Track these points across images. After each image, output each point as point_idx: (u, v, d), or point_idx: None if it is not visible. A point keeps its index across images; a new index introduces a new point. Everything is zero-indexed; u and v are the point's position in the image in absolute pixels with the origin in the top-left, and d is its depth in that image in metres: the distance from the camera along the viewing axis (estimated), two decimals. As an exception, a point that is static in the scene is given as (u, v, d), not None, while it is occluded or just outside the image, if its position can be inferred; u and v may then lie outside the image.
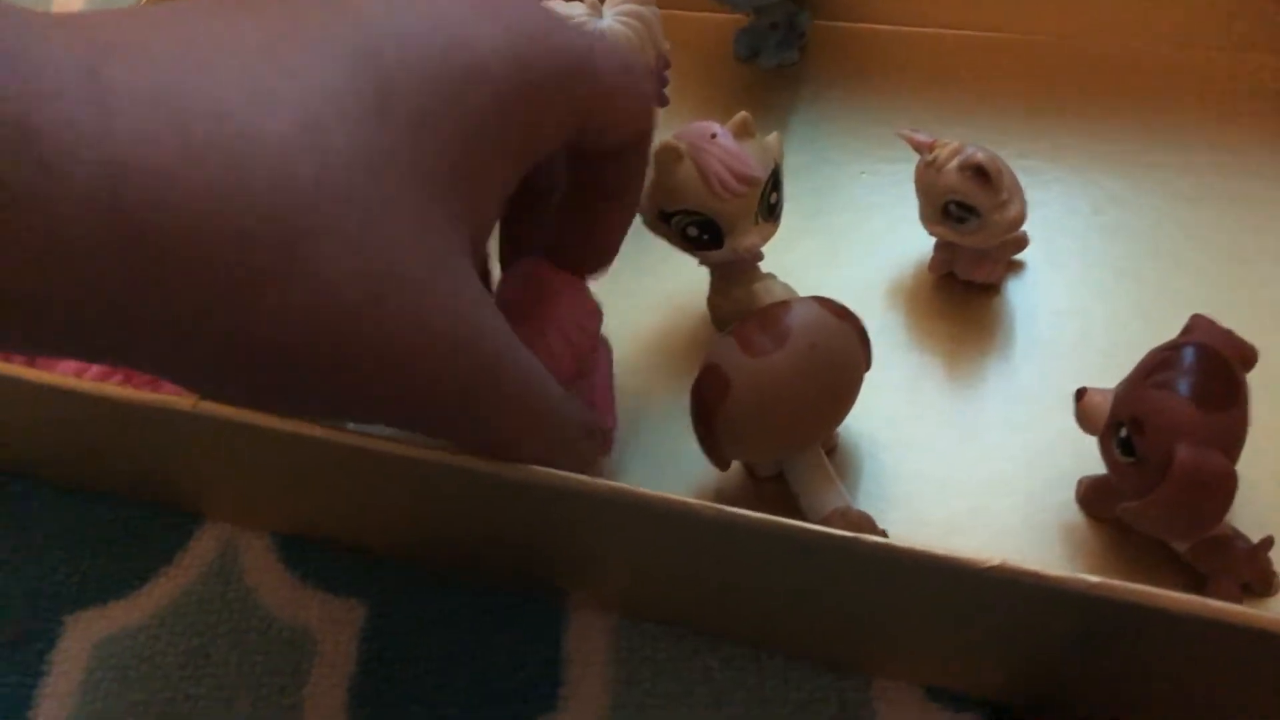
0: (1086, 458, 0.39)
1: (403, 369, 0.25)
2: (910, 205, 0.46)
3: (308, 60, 0.24)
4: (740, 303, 0.44)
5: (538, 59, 0.28)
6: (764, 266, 0.45)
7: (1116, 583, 0.28)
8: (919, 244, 0.48)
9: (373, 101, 0.24)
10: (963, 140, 0.43)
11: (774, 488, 0.41)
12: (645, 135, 0.34)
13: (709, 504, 0.31)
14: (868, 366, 0.38)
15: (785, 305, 0.37)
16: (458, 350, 0.26)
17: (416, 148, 0.25)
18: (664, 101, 0.50)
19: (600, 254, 0.37)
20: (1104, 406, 0.36)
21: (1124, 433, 0.34)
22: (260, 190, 0.22)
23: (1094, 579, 0.28)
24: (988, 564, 0.29)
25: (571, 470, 0.31)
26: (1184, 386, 0.34)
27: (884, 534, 0.36)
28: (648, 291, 0.48)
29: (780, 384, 0.35)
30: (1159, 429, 0.33)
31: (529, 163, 0.29)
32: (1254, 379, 0.35)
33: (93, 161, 0.20)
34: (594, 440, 0.34)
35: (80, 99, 0.20)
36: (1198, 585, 0.36)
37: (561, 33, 0.29)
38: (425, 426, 0.29)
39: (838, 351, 0.36)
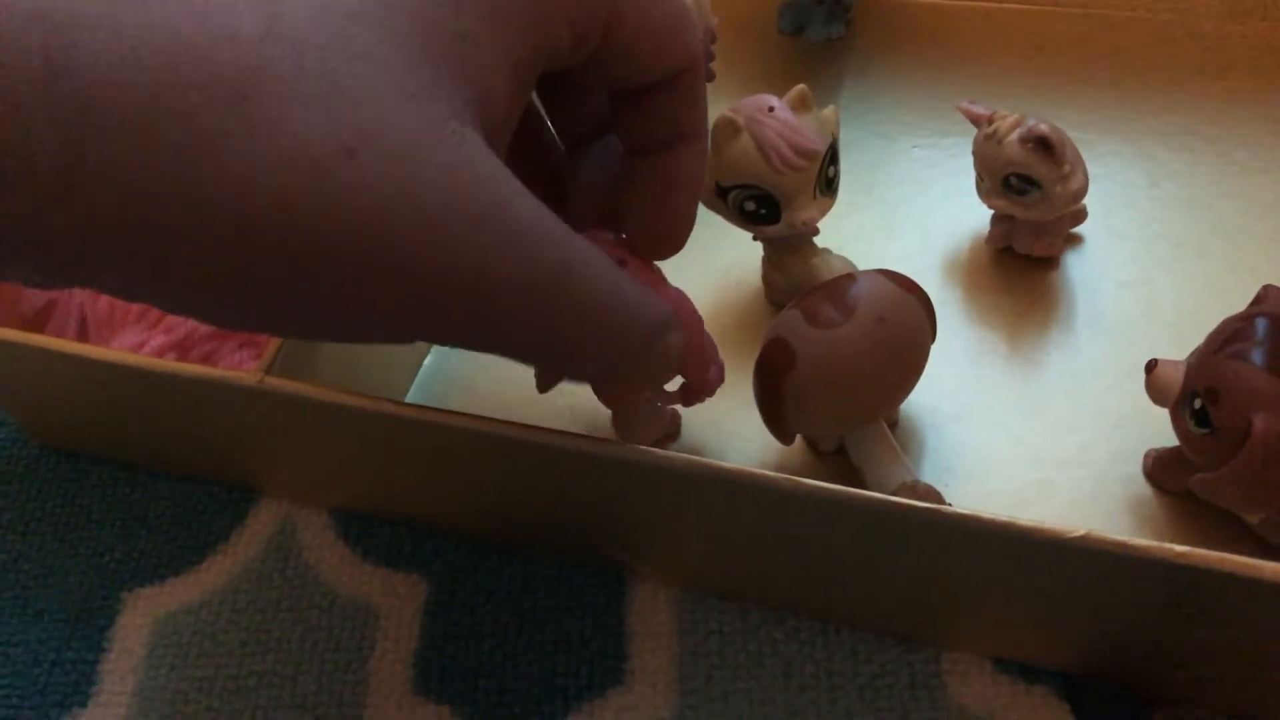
0: (1153, 430, 0.38)
1: (403, 245, 0.22)
2: (964, 179, 0.46)
3: None
4: (796, 277, 0.44)
5: None
6: (819, 241, 0.44)
7: (1203, 551, 0.28)
8: (974, 218, 0.47)
9: None
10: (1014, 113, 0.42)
11: (836, 463, 0.40)
12: (693, 63, 0.29)
13: (789, 476, 0.30)
14: (934, 339, 0.38)
15: (851, 277, 0.37)
16: (478, 222, 0.23)
17: (394, 5, 0.22)
18: (710, 76, 0.49)
19: (670, 226, 0.32)
20: (1175, 378, 0.35)
21: (1198, 404, 0.34)
22: (199, 45, 0.20)
23: (1180, 548, 0.28)
24: (1073, 534, 0.28)
25: (650, 380, 0.29)
26: (1258, 356, 0.33)
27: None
28: (701, 267, 0.47)
29: (848, 357, 0.35)
30: (1234, 399, 0.33)
31: (547, 49, 0.25)
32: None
33: (24, 14, 0.19)
34: (673, 334, 0.29)
35: None
36: (1270, 558, 0.36)
37: None
38: (449, 328, 0.25)
39: (905, 324, 0.36)
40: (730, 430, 0.42)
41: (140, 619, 0.41)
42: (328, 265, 0.22)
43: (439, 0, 0.23)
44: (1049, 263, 0.46)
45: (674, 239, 0.32)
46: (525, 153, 0.32)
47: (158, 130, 0.20)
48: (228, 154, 0.20)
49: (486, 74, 0.24)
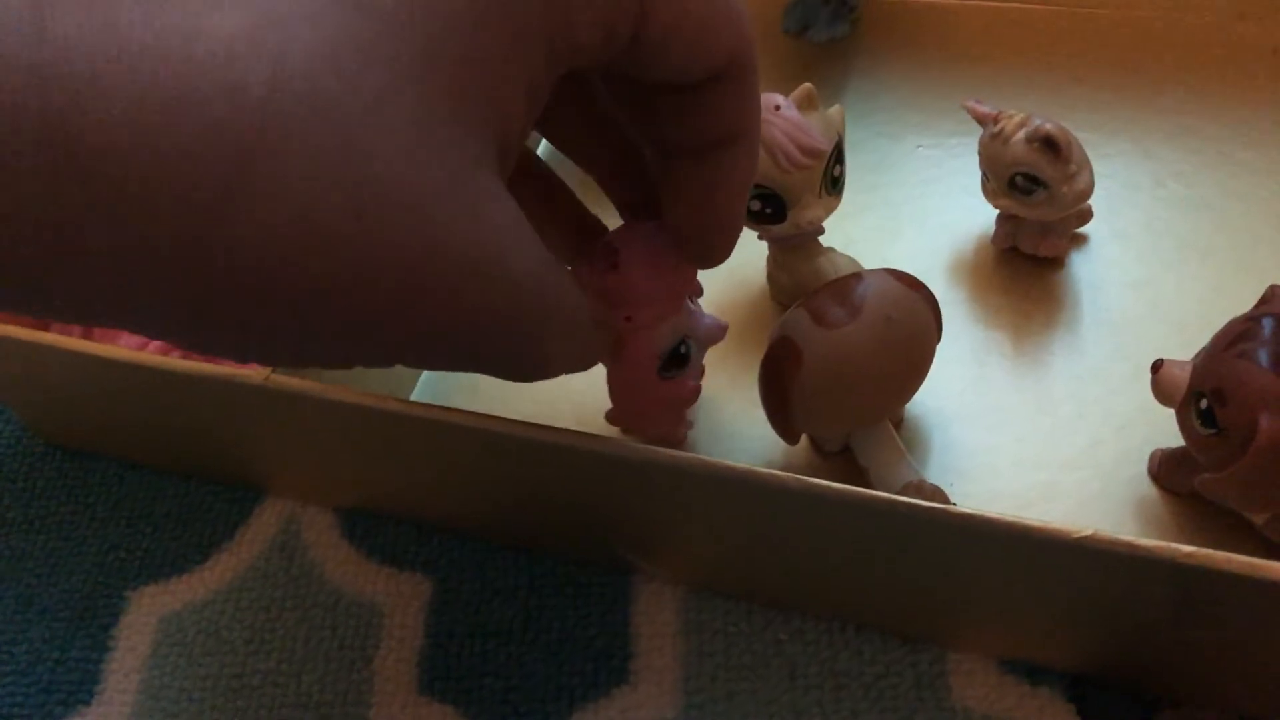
0: (1159, 431, 0.38)
1: (407, 297, 0.22)
2: (969, 179, 0.46)
3: None
4: (802, 277, 0.44)
5: None
6: (823, 241, 0.44)
7: (1210, 552, 0.28)
8: (980, 218, 0.47)
9: None
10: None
11: (841, 463, 0.40)
12: (739, 58, 0.27)
13: (795, 476, 0.30)
14: (939, 337, 0.38)
15: (857, 277, 0.37)
16: (478, 271, 0.23)
17: (409, 37, 0.21)
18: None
19: (721, 234, 0.31)
20: (1182, 378, 0.35)
21: (1204, 404, 0.34)
22: (203, 100, 0.19)
23: (1187, 548, 0.28)
24: (1079, 534, 0.28)
25: (573, 365, 0.29)
26: (1265, 357, 0.33)
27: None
28: (705, 266, 0.47)
29: (855, 356, 0.35)
30: (1241, 400, 0.33)
31: (570, 57, 0.25)
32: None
33: (23, 69, 0.18)
34: (605, 333, 0.32)
35: (13, 3, 0.18)
36: (1275, 558, 0.36)
37: None
38: (441, 360, 0.26)
39: (912, 323, 0.36)
40: (735, 430, 0.42)
41: (145, 617, 0.41)
42: (329, 318, 0.22)
43: (453, 25, 0.22)
44: (1054, 263, 0.46)
45: (725, 246, 0.32)
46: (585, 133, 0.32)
47: (158, 200, 0.19)
48: (232, 221, 0.20)
49: (505, 99, 0.23)
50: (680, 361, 0.37)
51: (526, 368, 0.27)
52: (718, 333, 0.38)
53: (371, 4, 0.21)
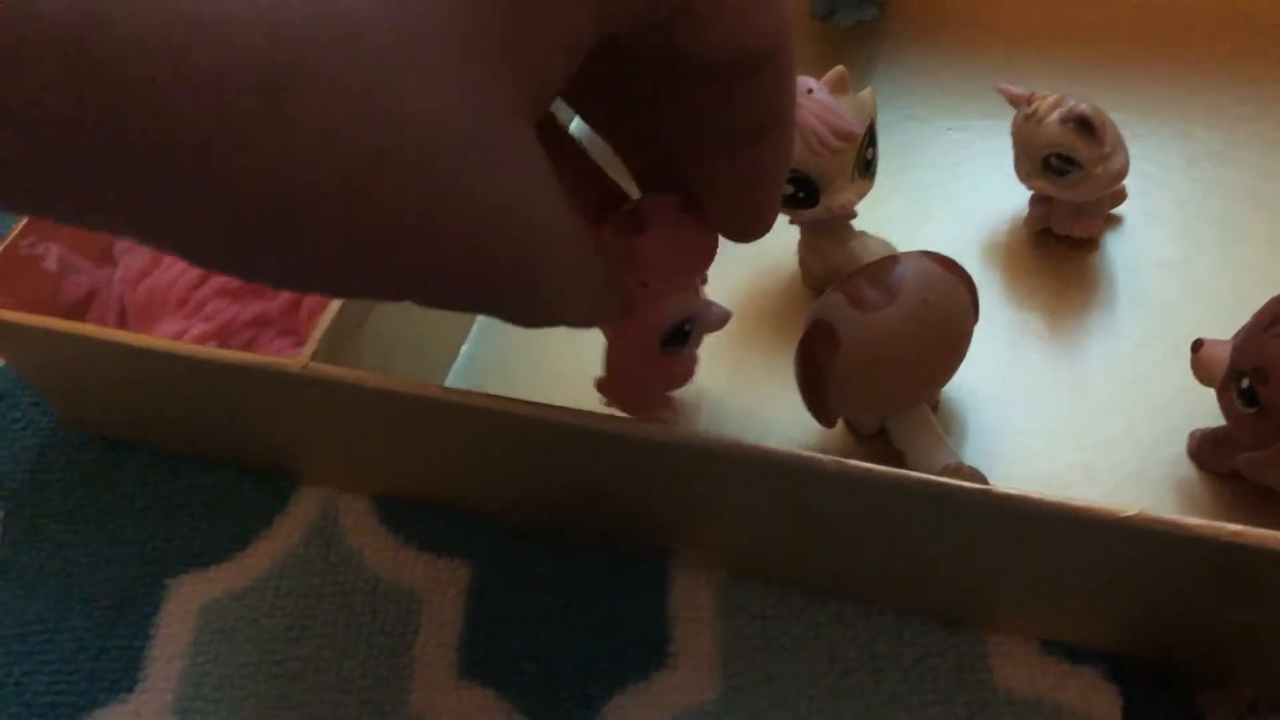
0: (1197, 410, 0.38)
1: (421, 236, 0.22)
2: (1001, 160, 0.46)
3: None
4: (834, 261, 0.44)
5: None
6: (855, 225, 0.44)
7: (1258, 530, 0.28)
8: (1012, 199, 0.47)
9: None
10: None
11: (877, 446, 0.40)
12: (777, 45, 0.27)
13: (834, 458, 0.31)
14: (976, 319, 0.38)
15: (894, 260, 0.36)
16: (494, 219, 0.23)
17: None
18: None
19: (753, 222, 0.31)
20: (1222, 357, 0.35)
21: (1246, 383, 0.34)
22: (238, 25, 0.19)
23: (1234, 527, 0.28)
24: (1125, 514, 0.28)
25: (581, 317, 0.29)
26: (1307, 336, 0.33)
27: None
28: (735, 252, 0.47)
29: (893, 339, 0.35)
30: (1284, 379, 0.33)
31: (617, 19, 0.24)
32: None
33: None
34: (618, 293, 0.31)
35: None
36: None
37: None
38: (452, 299, 0.25)
39: (950, 305, 0.36)
40: (770, 414, 0.42)
41: (185, 605, 0.42)
42: (342, 249, 0.22)
43: None
44: (1088, 244, 0.46)
45: (760, 230, 0.31)
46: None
47: (183, 122, 0.19)
48: (256, 148, 0.20)
49: (544, 51, 0.23)
50: (681, 339, 0.36)
51: (536, 315, 0.28)
52: (721, 321, 0.38)
53: None
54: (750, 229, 0.31)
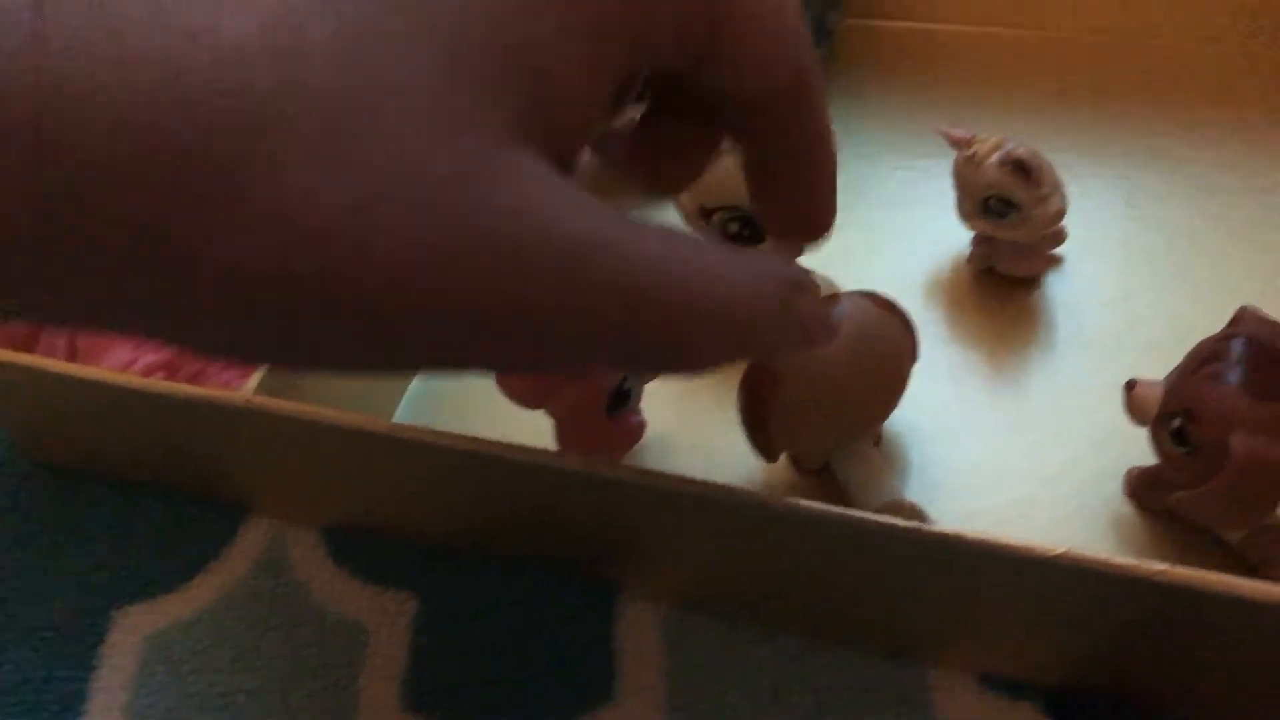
0: (1134, 449, 0.39)
1: (424, 291, 0.20)
2: (946, 200, 0.47)
3: None
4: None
5: None
6: (801, 262, 0.45)
7: (1182, 569, 0.28)
8: (956, 239, 0.48)
9: None
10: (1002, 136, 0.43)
11: (821, 481, 0.41)
12: (803, 77, 0.26)
13: (775, 495, 0.31)
14: (915, 359, 0.38)
15: (833, 299, 0.37)
16: (518, 250, 0.21)
17: (435, 31, 0.20)
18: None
19: (812, 227, 0.31)
20: (1154, 398, 0.36)
21: (1176, 423, 0.35)
22: (204, 101, 0.18)
23: (1159, 565, 0.29)
24: (1053, 553, 0.29)
25: (788, 342, 0.26)
26: (1235, 377, 0.34)
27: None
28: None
29: (831, 375, 0.36)
30: (1213, 420, 0.34)
31: (646, 46, 0.24)
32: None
33: (18, 75, 0.17)
34: (801, 293, 0.27)
35: (12, 4, 0.17)
36: (1248, 576, 0.36)
37: None
38: (503, 360, 0.24)
39: (886, 343, 0.37)
40: (717, 448, 0.43)
41: (131, 636, 0.42)
42: (335, 321, 0.20)
43: (510, 9, 0.21)
44: (1030, 283, 0.46)
45: (818, 236, 0.31)
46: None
47: (150, 200, 0.18)
48: (222, 224, 0.19)
49: (560, 82, 0.22)
50: (624, 399, 0.37)
51: (653, 352, 0.24)
52: None
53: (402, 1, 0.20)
54: (810, 235, 0.31)
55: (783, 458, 0.41)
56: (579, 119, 0.23)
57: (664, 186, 0.31)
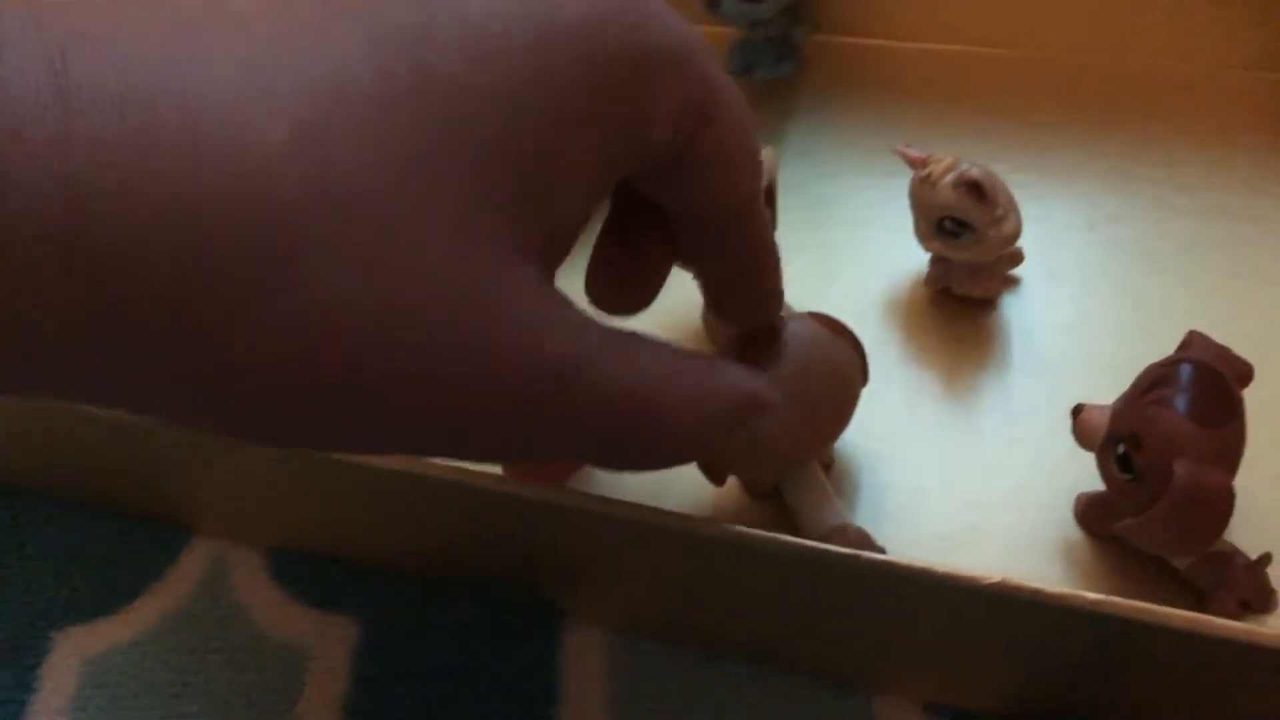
0: (1086, 474, 0.38)
1: (434, 399, 0.22)
2: (908, 219, 0.46)
3: (328, 44, 0.20)
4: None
5: (646, 30, 0.23)
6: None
7: (1117, 600, 0.28)
8: (915, 259, 0.47)
9: (406, 92, 0.20)
10: (958, 155, 0.43)
11: (771, 506, 0.40)
12: (753, 198, 0.29)
13: (712, 521, 0.31)
14: (865, 382, 0.38)
15: (780, 321, 0.37)
16: (514, 372, 0.22)
17: (461, 150, 0.21)
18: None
19: (764, 313, 0.34)
20: (1101, 423, 0.36)
21: (1121, 449, 0.34)
22: (233, 208, 0.19)
23: (1094, 596, 0.28)
24: (988, 581, 0.29)
25: (736, 454, 0.29)
26: (1181, 403, 0.34)
27: (882, 550, 0.36)
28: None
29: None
30: (1157, 445, 0.33)
31: (639, 156, 0.25)
32: (1252, 395, 0.35)
33: (47, 173, 0.18)
34: (760, 413, 0.29)
35: (41, 98, 0.18)
36: (1197, 602, 0.36)
37: (669, 12, 0.25)
38: (486, 454, 0.26)
39: (834, 366, 0.36)
40: (666, 473, 0.41)
41: (70, 659, 0.41)
42: (353, 417, 0.22)
43: (524, 125, 0.22)
44: (987, 304, 0.46)
45: (764, 321, 0.34)
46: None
47: (179, 304, 0.19)
48: (252, 326, 0.19)
49: (561, 196, 0.23)
50: None
51: (615, 453, 0.27)
52: None
53: (431, 110, 0.21)
54: (761, 321, 0.34)
55: (735, 481, 0.41)
56: (574, 228, 0.25)
57: (620, 309, 0.32)
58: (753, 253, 0.30)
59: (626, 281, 0.31)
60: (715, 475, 0.38)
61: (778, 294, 0.33)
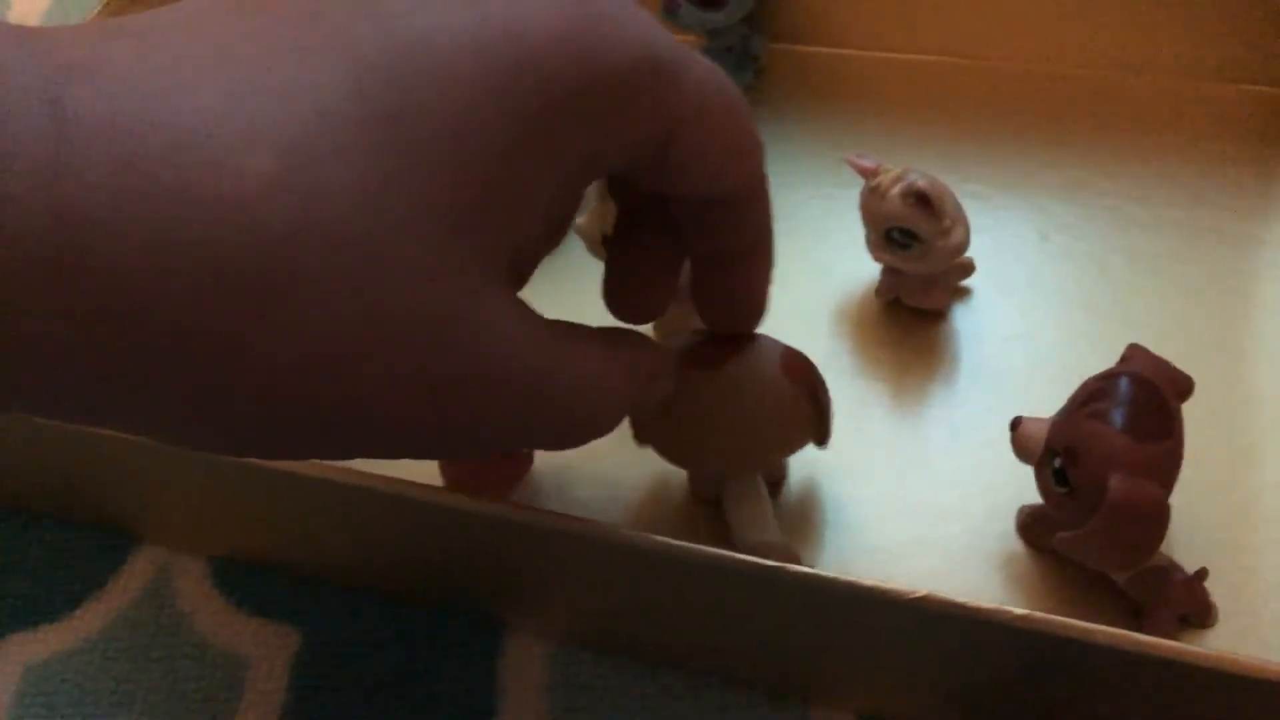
0: (1029, 486, 0.38)
1: (416, 416, 0.23)
2: (860, 230, 0.46)
3: (310, 76, 0.21)
4: (686, 325, 0.44)
5: (607, 49, 0.24)
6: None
7: (1043, 615, 0.28)
8: (867, 270, 0.47)
9: (383, 122, 0.21)
10: (913, 166, 0.43)
11: (716, 514, 0.40)
12: (752, 184, 0.30)
13: (647, 535, 0.30)
14: (822, 440, 0.37)
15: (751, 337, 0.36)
16: (489, 387, 0.24)
17: (437, 173, 0.22)
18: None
19: (744, 323, 0.35)
20: (1040, 435, 0.36)
21: (1058, 463, 0.34)
22: (222, 240, 0.19)
23: (1020, 611, 0.28)
24: (913, 595, 0.28)
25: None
26: (1118, 417, 0.34)
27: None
28: (590, 311, 0.47)
29: (691, 414, 0.35)
30: (1092, 459, 0.33)
31: (593, 174, 0.27)
32: (1192, 409, 0.35)
33: (41, 207, 0.18)
34: (657, 383, 0.32)
35: (35, 132, 0.18)
36: (1136, 616, 0.36)
37: (637, 23, 0.25)
38: (448, 453, 0.30)
39: (768, 407, 0.35)
40: (614, 480, 0.42)
41: (11, 666, 0.41)
42: (346, 433, 0.23)
43: (493, 149, 0.22)
44: (937, 315, 0.46)
45: (748, 327, 0.35)
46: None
47: (172, 337, 0.20)
48: (245, 355, 0.20)
49: (524, 219, 0.24)
50: None
51: (565, 443, 0.29)
52: None
53: (407, 139, 0.21)
54: (746, 328, 0.35)
55: (684, 489, 0.41)
56: (539, 245, 0.28)
57: (636, 317, 0.33)
58: (742, 246, 0.32)
59: (639, 289, 0.33)
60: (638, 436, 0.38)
61: (761, 298, 0.33)
